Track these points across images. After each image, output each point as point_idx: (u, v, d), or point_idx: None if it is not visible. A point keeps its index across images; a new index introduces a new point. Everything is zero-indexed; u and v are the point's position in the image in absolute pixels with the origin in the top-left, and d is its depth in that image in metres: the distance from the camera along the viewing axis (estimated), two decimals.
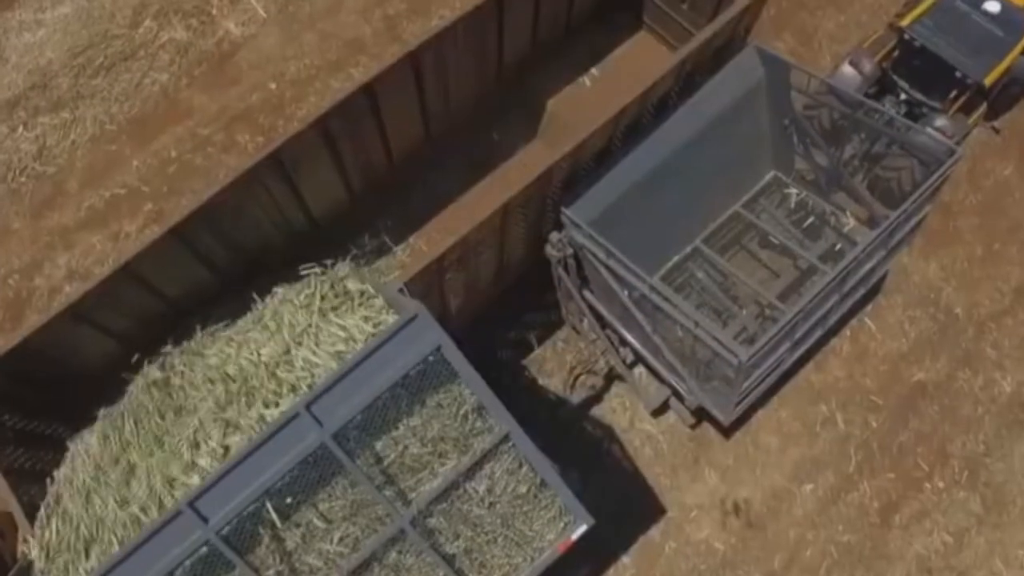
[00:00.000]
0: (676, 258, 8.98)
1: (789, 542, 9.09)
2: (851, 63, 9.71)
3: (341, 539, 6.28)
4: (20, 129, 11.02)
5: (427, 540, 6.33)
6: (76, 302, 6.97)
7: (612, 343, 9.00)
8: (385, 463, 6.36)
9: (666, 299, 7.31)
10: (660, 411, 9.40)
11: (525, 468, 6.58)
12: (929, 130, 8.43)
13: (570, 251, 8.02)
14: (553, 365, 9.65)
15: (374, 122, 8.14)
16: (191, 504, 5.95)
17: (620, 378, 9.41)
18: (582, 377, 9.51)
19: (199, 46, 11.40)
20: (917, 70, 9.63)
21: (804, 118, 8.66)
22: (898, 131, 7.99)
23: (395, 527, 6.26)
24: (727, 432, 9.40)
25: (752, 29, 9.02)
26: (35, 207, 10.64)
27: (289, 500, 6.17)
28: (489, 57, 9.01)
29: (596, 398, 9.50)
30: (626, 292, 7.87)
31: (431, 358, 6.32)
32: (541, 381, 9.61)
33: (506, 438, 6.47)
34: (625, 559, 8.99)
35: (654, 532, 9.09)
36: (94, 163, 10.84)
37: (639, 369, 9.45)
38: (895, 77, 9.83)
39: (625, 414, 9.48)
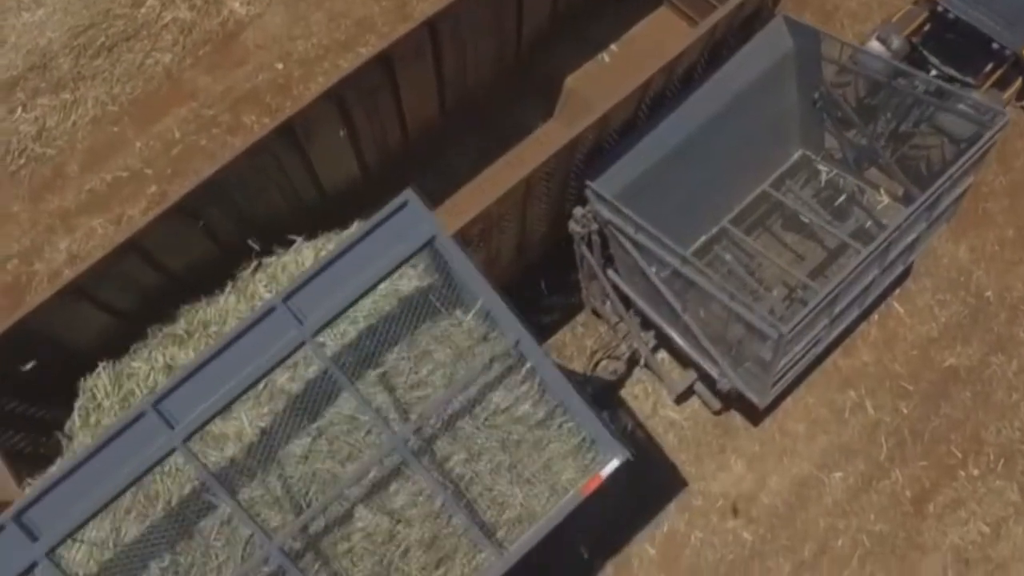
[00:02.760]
0: (703, 238, 8.67)
1: (819, 531, 8.77)
2: (879, 39, 9.38)
3: (320, 455, 5.70)
4: (19, 111, 10.67)
5: (420, 462, 5.61)
6: (79, 277, 6.63)
7: (636, 326, 8.67)
8: (373, 371, 5.77)
9: (700, 272, 6.99)
10: (684, 397, 9.08)
11: (536, 387, 5.85)
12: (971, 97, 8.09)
13: (595, 227, 7.69)
14: (573, 350, 9.32)
15: (390, 95, 7.81)
16: (155, 406, 5.32)
17: (642, 363, 9.09)
18: (603, 362, 9.17)
19: (203, 26, 11.06)
20: (950, 44, 9.32)
21: (834, 91, 8.35)
22: (938, 99, 7.67)
23: (387, 446, 5.56)
24: (753, 419, 9.08)
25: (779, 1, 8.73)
26: (35, 190, 10.30)
27: (266, 409, 5.70)
28: (507, 32, 8.68)
29: (618, 383, 9.17)
30: (654, 269, 7.55)
31: (424, 252, 5.70)
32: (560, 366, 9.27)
33: (514, 349, 5.74)
34: (650, 550, 8.65)
35: (679, 522, 8.76)
36: (95, 145, 10.50)
37: (662, 354, 9.14)
38: (925, 52, 9.51)
39: (648, 400, 9.15)
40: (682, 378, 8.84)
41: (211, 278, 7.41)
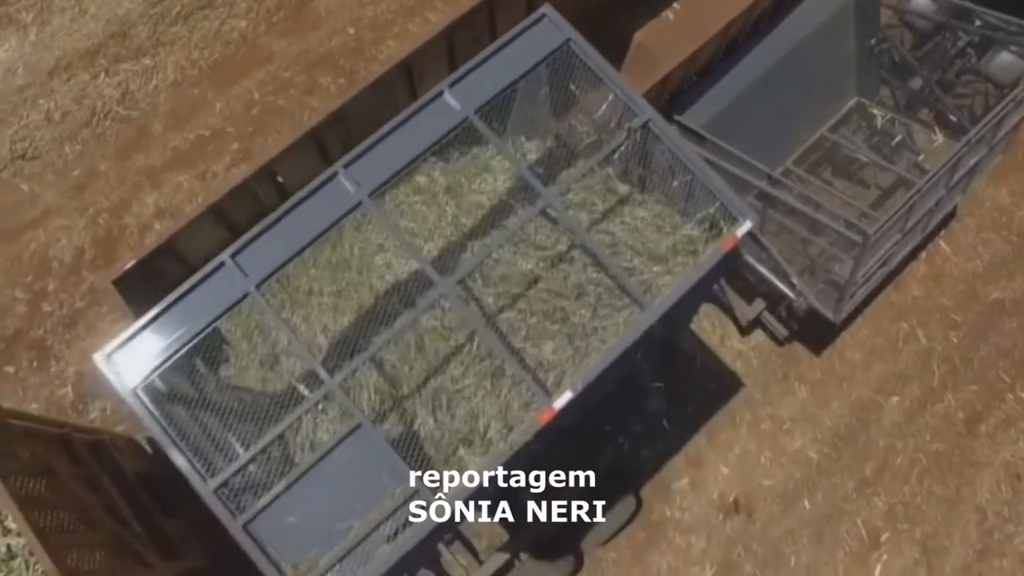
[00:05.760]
0: None
1: (879, 451, 9.38)
2: None
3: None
4: (102, 76, 11.18)
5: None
6: (217, 202, 7.17)
7: None
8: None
9: (787, 189, 7.61)
10: (749, 329, 9.67)
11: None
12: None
13: None
14: None
15: (488, 40, 8.38)
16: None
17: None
18: None
19: None
20: None
21: (890, 36, 9.01)
22: (993, 32, 8.28)
23: (539, 203, 6.42)
24: (814, 349, 9.70)
25: None
26: (121, 149, 10.79)
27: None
28: None
29: None
30: None
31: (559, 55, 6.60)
32: None
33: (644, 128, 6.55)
34: (724, 469, 9.23)
35: (750, 444, 9.34)
36: (177, 107, 11.02)
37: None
38: (972, 3, 10.13)
39: (715, 332, 9.74)
40: (751, 308, 9.41)
41: None
